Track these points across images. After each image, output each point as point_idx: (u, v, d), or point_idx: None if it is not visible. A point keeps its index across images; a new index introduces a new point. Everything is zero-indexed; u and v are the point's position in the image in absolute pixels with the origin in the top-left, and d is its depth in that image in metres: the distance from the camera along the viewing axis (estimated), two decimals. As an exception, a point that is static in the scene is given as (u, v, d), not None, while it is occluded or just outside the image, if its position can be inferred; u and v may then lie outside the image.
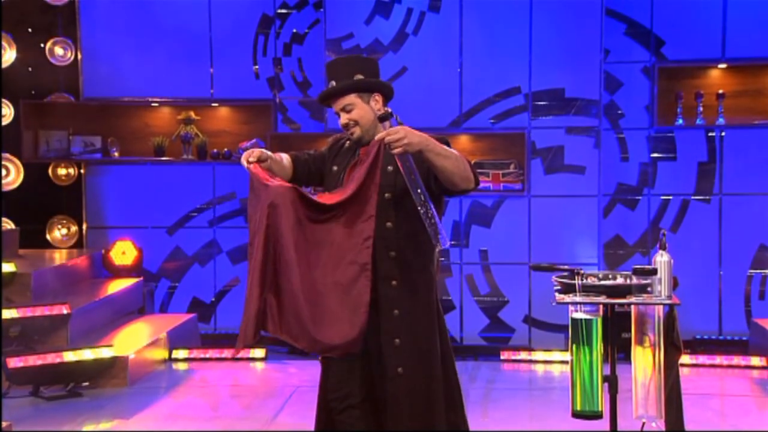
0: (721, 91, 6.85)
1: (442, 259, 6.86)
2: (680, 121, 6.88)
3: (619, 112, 7.00)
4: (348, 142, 3.59)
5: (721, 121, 6.83)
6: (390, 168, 3.42)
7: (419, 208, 3.28)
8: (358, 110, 3.47)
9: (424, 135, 3.26)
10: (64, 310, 5.99)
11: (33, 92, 7.44)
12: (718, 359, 6.34)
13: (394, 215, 3.41)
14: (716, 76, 7.00)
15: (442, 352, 3.50)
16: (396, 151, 3.21)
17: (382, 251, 3.40)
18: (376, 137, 3.33)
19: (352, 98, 3.47)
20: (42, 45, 7.40)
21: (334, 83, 3.49)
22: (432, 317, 3.49)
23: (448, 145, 3.41)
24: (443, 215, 3.72)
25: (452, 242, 6.87)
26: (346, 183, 3.45)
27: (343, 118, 3.49)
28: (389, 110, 3.38)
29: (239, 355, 6.62)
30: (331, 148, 3.67)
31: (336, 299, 3.28)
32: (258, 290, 3.28)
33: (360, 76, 3.47)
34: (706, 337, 6.90)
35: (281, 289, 3.28)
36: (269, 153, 3.43)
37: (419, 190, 3.27)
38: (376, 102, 3.49)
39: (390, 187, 3.40)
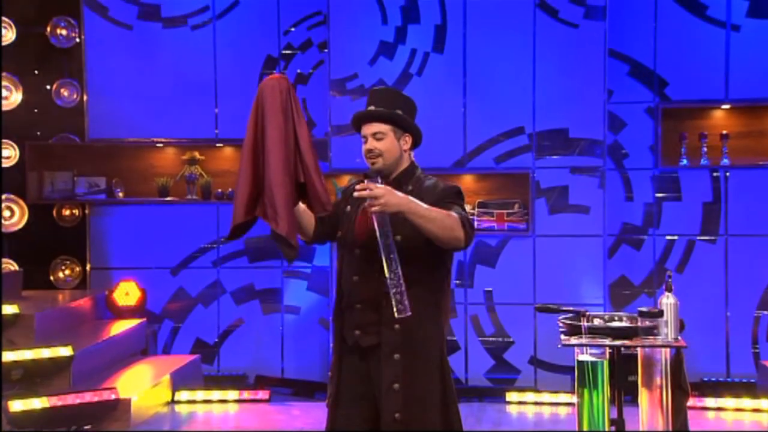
0: (725, 132, 6.88)
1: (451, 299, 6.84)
2: (684, 162, 6.90)
3: (624, 152, 7.02)
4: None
5: (725, 161, 6.85)
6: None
7: (387, 272, 3.27)
8: (388, 142, 3.50)
9: (405, 197, 3.28)
10: (67, 352, 5.97)
11: (38, 133, 7.49)
12: (726, 402, 6.29)
13: (401, 259, 3.40)
14: (720, 116, 7.04)
15: (444, 398, 3.47)
16: (373, 209, 3.23)
17: (388, 294, 3.38)
18: (357, 186, 3.34)
19: (386, 128, 3.50)
20: (48, 87, 7.46)
21: (374, 108, 3.53)
22: (434, 363, 3.46)
23: (459, 196, 3.45)
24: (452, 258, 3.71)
25: (457, 282, 6.86)
26: (358, 225, 3.52)
27: (370, 144, 3.51)
28: (374, 171, 3.42)
29: (242, 397, 6.60)
30: (345, 192, 3.74)
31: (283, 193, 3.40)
32: (248, 171, 3.45)
33: (400, 112, 3.51)
34: (713, 379, 6.85)
35: (262, 173, 3.44)
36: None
37: (391, 255, 3.27)
38: (405, 143, 3.53)
39: (400, 231, 3.38)
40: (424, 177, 3.57)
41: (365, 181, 3.32)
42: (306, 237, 3.65)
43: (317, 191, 3.45)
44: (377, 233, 3.27)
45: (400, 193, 3.28)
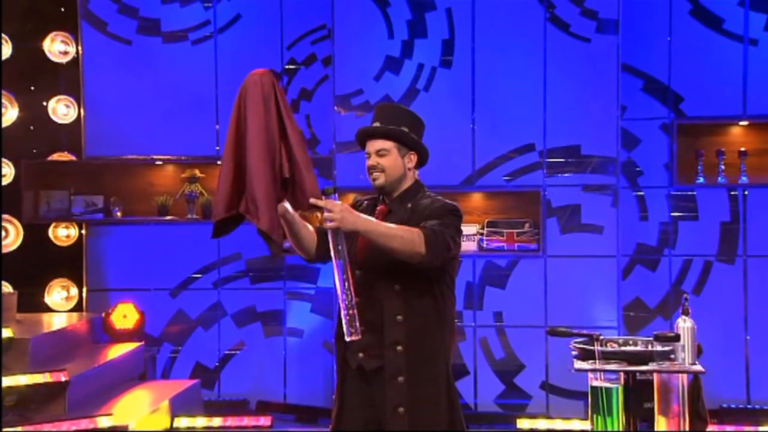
0: (743, 149, 6.86)
1: (455, 321, 6.82)
2: (701, 180, 6.88)
3: (638, 169, 7.00)
4: (366, 202, 3.65)
5: (744, 179, 6.83)
6: None
7: (339, 291, 3.29)
8: (391, 159, 3.55)
9: (363, 218, 3.33)
10: (63, 378, 5.96)
11: (34, 151, 7.49)
12: (747, 429, 6.25)
13: (402, 279, 3.41)
14: (738, 133, 7.02)
15: (452, 421, 3.47)
16: (328, 225, 3.27)
17: (390, 315, 3.40)
18: (312, 200, 3.38)
19: (390, 145, 3.55)
20: (44, 103, 7.48)
21: (379, 124, 3.56)
22: (439, 387, 3.46)
23: (452, 213, 3.50)
24: (457, 275, 3.71)
25: (466, 304, 6.84)
26: (360, 244, 3.52)
27: (373, 160, 3.56)
28: (332, 188, 3.44)
29: (243, 423, 6.57)
30: None
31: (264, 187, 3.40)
32: (230, 166, 3.48)
33: (406, 129, 3.52)
34: (733, 405, 6.80)
35: (244, 167, 3.45)
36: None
37: (344, 275, 3.30)
38: (410, 161, 3.57)
39: None
40: (427, 195, 3.59)
41: (323, 198, 3.38)
42: (307, 255, 3.65)
43: (305, 187, 3.45)
44: (332, 251, 3.30)
45: (358, 213, 3.34)
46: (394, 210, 3.57)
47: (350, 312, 3.28)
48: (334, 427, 3.58)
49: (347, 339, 3.31)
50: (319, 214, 3.66)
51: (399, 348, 3.40)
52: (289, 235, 3.57)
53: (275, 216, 3.40)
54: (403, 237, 3.32)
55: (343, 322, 3.30)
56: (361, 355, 3.49)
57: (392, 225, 3.36)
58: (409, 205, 3.55)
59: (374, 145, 3.56)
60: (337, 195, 3.39)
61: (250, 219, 3.42)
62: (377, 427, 3.48)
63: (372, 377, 3.48)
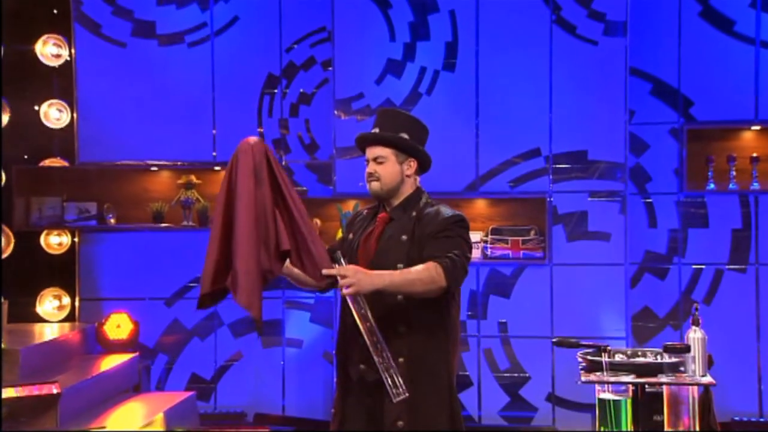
0: (755, 155, 6.85)
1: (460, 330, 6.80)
2: (712, 186, 6.86)
3: (646, 175, 6.99)
4: (366, 211, 3.67)
5: (755, 185, 6.81)
6: (404, 237, 3.44)
7: (375, 356, 3.28)
8: (388, 166, 3.57)
9: (377, 274, 3.33)
10: (54, 390, 5.93)
11: (26, 156, 7.48)
12: (759, 442, 6.23)
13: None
14: (749, 138, 7.01)
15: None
16: (346, 292, 3.28)
17: (390, 326, 3.41)
18: (324, 271, 3.37)
19: (387, 152, 3.57)
20: (36, 107, 7.46)
21: (378, 130, 3.57)
22: (441, 399, 3.46)
23: (461, 225, 3.52)
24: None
25: (469, 314, 6.83)
26: (360, 252, 3.55)
27: (370, 168, 3.60)
28: (339, 253, 3.44)
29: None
30: (349, 225, 3.79)
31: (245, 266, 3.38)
32: (216, 239, 3.45)
33: (405, 136, 3.56)
34: (745, 419, 6.78)
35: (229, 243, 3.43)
36: None
37: (374, 338, 3.29)
38: (410, 167, 3.59)
39: (403, 259, 3.40)
40: (429, 203, 3.59)
41: (334, 266, 3.38)
42: (318, 288, 3.64)
43: (314, 259, 3.43)
44: (356, 317, 3.29)
45: (371, 272, 3.33)
46: (396, 218, 3.57)
47: (390, 372, 3.29)
48: (333, 439, 3.58)
49: (396, 401, 3.31)
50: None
51: (400, 360, 3.41)
52: (296, 284, 3.69)
53: (256, 293, 3.37)
54: (423, 280, 3.35)
55: (387, 386, 3.29)
56: (362, 366, 3.49)
57: (409, 270, 3.37)
58: (414, 214, 3.55)
59: (372, 152, 3.59)
60: (342, 259, 3.39)
61: (232, 293, 3.42)
62: None
63: (373, 389, 3.48)
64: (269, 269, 3.42)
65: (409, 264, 3.40)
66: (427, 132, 3.68)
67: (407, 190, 3.60)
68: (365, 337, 3.30)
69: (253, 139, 3.49)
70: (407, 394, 3.28)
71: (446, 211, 3.56)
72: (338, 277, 3.30)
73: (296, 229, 3.43)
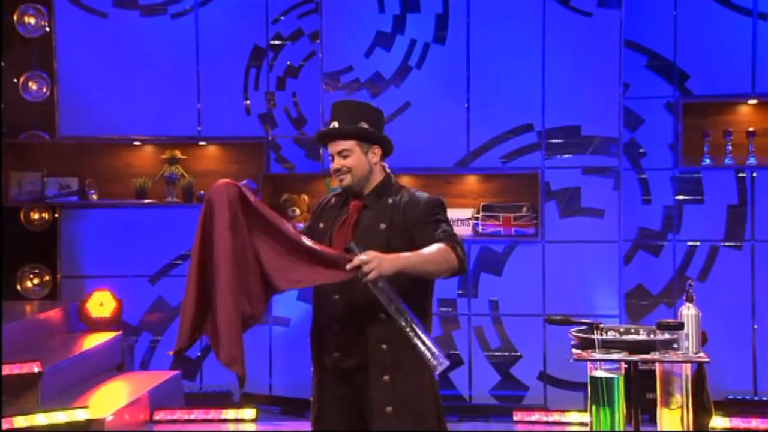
0: (751, 129, 6.86)
1: (448, 309, 6.84)
2: (707, 161, 6.89)
3: (641, 150, 7.00)
4: (334, 199, 3.69)
5: (752, 160, 6.84)
6: (383, 226, 3.49)
7: (412, 338, 3.32)
8: (354, 158, 3.60)
9: (395, 257, 3.35)
10: (35, 369, 5.94)
11: (5, 131, 7.45)
12: (754, 422, 6.26)
13: (387, 277, 3.43)
14: (746, 112, 7.03)
15: (438, 413, 3.56)
16: (369, 278, 3.30)
17: (371, 314, 3.45)
18: (348, 266, 3.35)
19: (351, 144, 3.60)
20: (15, 80, 7.43)
21: (337, 124, 3.61)
22: (424, 382, 3.53)
23: (443, 208, 3.59)
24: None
25: (460, 292, 6.85)
26: (335, 242, 3.57)
27: (337, 163, 3.62)
28: (353, 244, 3.42)
29: (226, 417, 6.58)
30: (314, 212, 3.81)
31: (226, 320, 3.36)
32: (192, 294, 3.42)
33: (364, 125, 3.61)
34: (739, 397, 6.83)
35: (210, 288, 3.41)
36: None
37: (407, 319, 3.31)
38: (375, 155, 3.64)
39: (383, 247, 3.43)
40: (402, 188, 3.64)
41: (348, 253, 3.37)
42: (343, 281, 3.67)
43: (332, 262, 3.41)
44: (383, 302, 3.30)
45: (389, 255, 3.35)
46: (369, 205, 3.61)
47: (429, 349, 3.30)
48: (315, 425, 3.64)
49: (441, 369, 3.35)
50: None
51: (384, 346, 3.47)
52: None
53: (237, 349, 3.36)
54: (437, 260, 3.40)
55: (430, 365, 3.31)
56: (337, 354, 3.55)
57: (421, 251, 3.40)
58: (390, 201, 3.60)
59: (336, 147, 3.61)
60: (357, 248, 3.39)
61: (212, 347, 3.41)
62: (363, 427, 3.53)
63: (350, 375, 3.53)
64: (251, 315, 3.42)
65: (390, 252, 3.43)
66: (383, 116, 3.74)
67: (377, 177, 3.65)
68: (397, 319, 3.32)
69: (224, 181, 3.47)
70: (447, 362, 3.33)
71: (422, 195, 3.62)
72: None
73: (300, 244, 3.42)
